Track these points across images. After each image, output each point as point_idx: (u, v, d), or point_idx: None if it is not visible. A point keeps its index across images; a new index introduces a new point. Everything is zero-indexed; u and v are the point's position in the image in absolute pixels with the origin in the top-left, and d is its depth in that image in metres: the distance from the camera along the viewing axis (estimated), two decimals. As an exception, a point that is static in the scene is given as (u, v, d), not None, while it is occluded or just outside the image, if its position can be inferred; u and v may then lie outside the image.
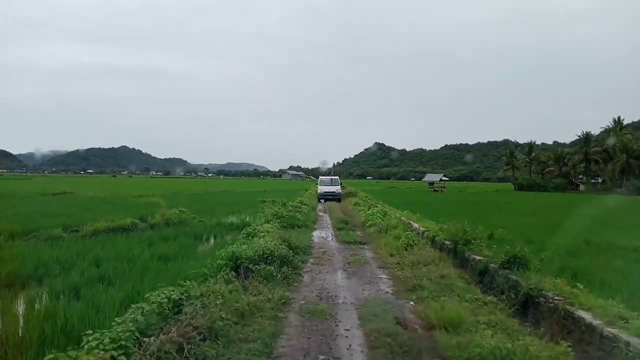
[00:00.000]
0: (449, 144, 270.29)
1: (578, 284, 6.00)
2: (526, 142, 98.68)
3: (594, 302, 5.24)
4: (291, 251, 9.94)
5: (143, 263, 9.21)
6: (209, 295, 5.47)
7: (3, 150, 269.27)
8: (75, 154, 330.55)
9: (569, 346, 4.40)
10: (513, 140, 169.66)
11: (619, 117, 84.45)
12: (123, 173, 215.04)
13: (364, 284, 8.21)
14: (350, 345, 5.07)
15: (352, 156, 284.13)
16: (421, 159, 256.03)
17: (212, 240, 13.91)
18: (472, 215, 16.25)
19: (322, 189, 35.69)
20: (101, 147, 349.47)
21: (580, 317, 5.01)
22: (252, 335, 5.03)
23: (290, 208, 21.00)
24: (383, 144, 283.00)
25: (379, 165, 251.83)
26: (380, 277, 8.80)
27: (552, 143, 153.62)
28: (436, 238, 11.45)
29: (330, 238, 14.58)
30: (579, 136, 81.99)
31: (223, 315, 4.95)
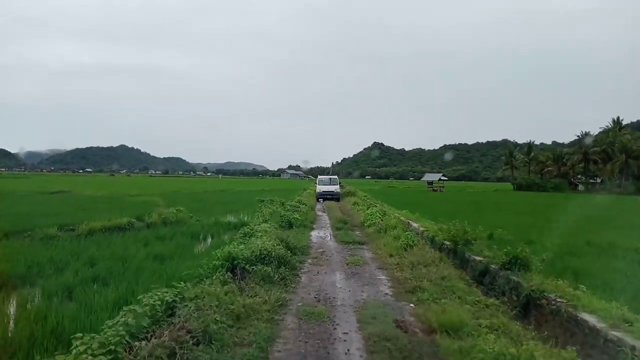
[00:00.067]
0: (448, 143, 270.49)
1: (581, 286, 5.89)
2: (525, 142, 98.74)
3: (597, 305, 5.13)
4: (289, 251, 9.80)
5: (138, 263, 9.07)
6: (204, 297, 5.31)
7: (2, 149, 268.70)
8: (74, 152, 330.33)
9: (573, 351, 4.27)
10: (512, 140, 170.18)
11: (618, 117, 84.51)
12: (122, 172, 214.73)
13: (363, 285, 8.05)
14: (348, 350, 4.92)
15: (351, 156, 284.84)
16: (420, 159, 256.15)
17: (209, 240, 13.75)
18: (472, 215, 16.15)
19: (320, 188, 35.54)
20: (100, 146, 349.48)
21: (583, 320, 4.91)
22: (248, 339, 4.88)
23: (289, 207, 20.87)
24: (382, 144, 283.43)
25: (377, 164, 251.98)
26: (379, 278, 8.65)
27: (551, 143, 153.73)
28: (435, 238, 11.32)
29: (329, 238, 14.43)
30: (578, 136, 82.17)
31: (218, 318, 4.81)
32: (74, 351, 3.63)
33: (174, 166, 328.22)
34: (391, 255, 10.54)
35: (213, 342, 4.46)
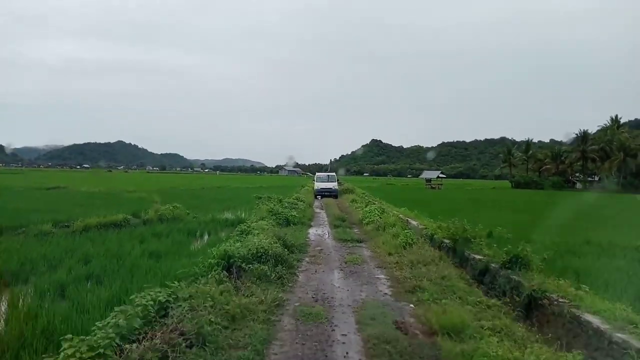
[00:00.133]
0: (446, 141, 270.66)
1: (583, 286, 5.79)
2: (523, 140, 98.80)
3: (601, 305, 5.03)
4: (286, 249, 9.65)
5: (133, 260, 8.92)
6: (198, 297, 5.16)
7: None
8: (71, 148, 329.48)
9: (580, 354, 4.16)
10: (510, 138, 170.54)
11: (616, 116, 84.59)
12: (119, 168, 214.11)
13: (362, 284, 7.89)
14: (347, 353, 4.77)
15: (349, 153, 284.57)
16: (418, 156, 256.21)
17: (205, 237, 13.61)
18: (470, 213, 16.04)
19: (318, 185, 35.44)
20: (97, 141, 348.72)
21: (587, 321, 4.81)
22: (243, 341, 4.72)
23: (286, 204, 20.72)
24: (380, 141, 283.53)
25: (375, 162, 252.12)
26: (378, 278, 8.49)
27: (549, 141, 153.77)
28: (435, 236, 11.21)
29: (327, 236, 14.29)
30: (577, 134, 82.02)
31: (212, 319, 4.65)
32: (62, 354, 3.50)
33: (172, 162, 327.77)
34: (390, 254, 10.39)
35: (207, 344, 4.30)
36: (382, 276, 8.62)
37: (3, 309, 6.03)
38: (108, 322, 3.95)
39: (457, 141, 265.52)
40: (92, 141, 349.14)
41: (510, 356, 3.90)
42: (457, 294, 6.76)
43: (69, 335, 3.94)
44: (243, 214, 18.78)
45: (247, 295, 6.18)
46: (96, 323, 4.05)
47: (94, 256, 9.24)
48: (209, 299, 5.25)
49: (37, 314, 5.53)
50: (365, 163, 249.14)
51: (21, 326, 5.12)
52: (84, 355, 3.43)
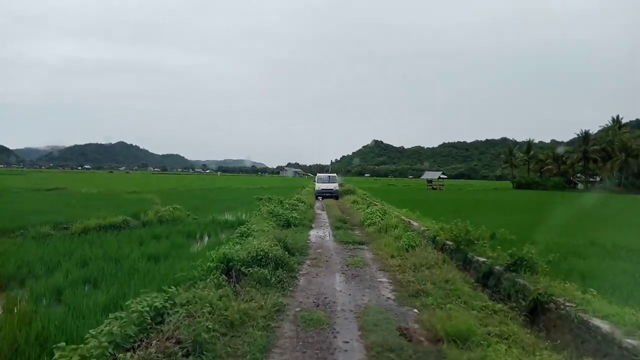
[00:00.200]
0: (447, 141, 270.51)
1: (591, 289, 5.66)
2: (524, 140, 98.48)
3: (609, 309, 4.90)
4: (287, 252, 9.50)
5: (132, 263, 8.83)
6: (196, 302, 5.00)
7: (0, 146, 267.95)
8: (73, 149, 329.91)
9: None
10: (511, 139, 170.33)
11: (617, 116, 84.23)
12: (120, 169, 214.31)
13: (364, 288, 7.72)
14: (349, 362, 4.62)
15: (350, 153, 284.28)
16: (419, 157, 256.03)
17: (205, 239, 13.50)
18: (472, 214, 15.94)
19: (319, 186, 35.34)
20: (99, 143, 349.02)
21: (595, 326, 4.69)
22: (242, 349, 4.57)
23: (287, 206, 20.61)
24: (381, 142, 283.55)
25: (376, 162, 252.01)
26: (380, 281, 8.32)
27: (549, 141, 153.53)
28: (437, 238, 11.08)
29: (328, 238, 14.14)
30: (578, 135, 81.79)
31: (210, 326, 4.49)
32: (53, 365, 3.37)
33: (173, 163, 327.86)
34: (392, 257, 10.23)
35: (204, 352, 4.13)
36: (385, 280, 8.45)
37: (-3, 314, 5.89)
38: (102, 330, 3.82)
39: (458, 142, 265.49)
40: (93, 142, 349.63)
41: (520, 365, 3.76)
42: (462, 298, 6.62)
43: (62, 344, 3.83)
44: (244, 216, 18.67)
45: (246, 300, 6.03)
46: (89, 331, 3.92)
47: (92, 259, 9.15)
48: (207, 304, 5.08)
49: (32, 320, 5.42)
50: (367, 164, 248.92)
51: (15, 332, 5.00)
52: (75, 365, 3.29)
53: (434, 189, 59.85)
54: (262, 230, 11.52)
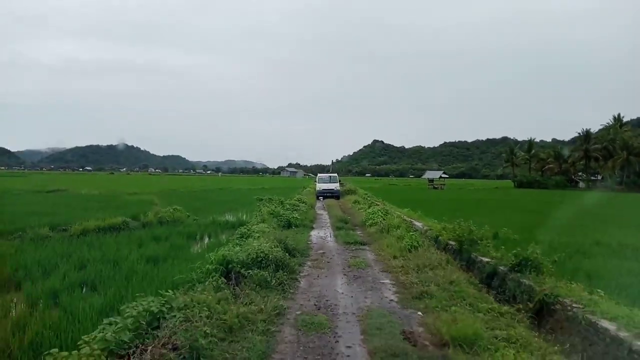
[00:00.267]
0: (447, 141, 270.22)
1: (598, 290, 5.52)
2: (525, 139, 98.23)
3: (618, 311, 4.77)
4: (287, 253, 9.36)
5: (130, 265, 8.69)
6: (194, 306, 4.85)
7: (1, 148, 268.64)
8: (74, 151, 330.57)
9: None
10: (512, 138, 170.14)
11: (619, 115, 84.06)
12: (121, 170, 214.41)
13: (366, 290, 7.57)
14: (352, 368, 4.47)
15: (351, 153, 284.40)
16: (420, 156, 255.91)
17: (206, 240, 13.36)
18: (474, 213, 15.80)
19: (320, 186, 35.23)
20: (100, 144, 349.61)
21: (604, 328, 4.55)
22: (240, 355, 4.41)
23: (288, 206, 20.47)
24: (382, 141, 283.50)
25: (377, 162, 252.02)
26: (383, 283, 8.15)
27: (550, 140, 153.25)
28: (440, 238, 10.94)
29: (329, 238, 14.00)
30: (579, 133, 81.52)
31: (208, 331, 4.34)
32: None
33: (174, 164, 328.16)
34: (395, 257, 10.07)
35: (201, 359, 3.99)
36: (388, 281, 8.29)
37: (-8, 318, 5.76)
38: (95, 336, 3.68)
39: (459, 141, 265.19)
40: (94, 144, 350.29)
41: (530, 372, 3.61)
42: (467, 300, 6.46)
43: (55, 350, 3.71)
44: (244, 216, 18.55)
45: (245, 304, 5.88)
46: (83, 337, 3.78)
47: (90, 261, 9.01)
48: (205, 308, 4.93)
49: (27, 324, 5.29)
50: (367, 163, 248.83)
51: (8, 338, 4.88)
52: (67, 374, 3.16)
53: (435, 188, 59.72)
54: (262, 231, 11.38)
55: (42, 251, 9.99)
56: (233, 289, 6.41)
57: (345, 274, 8.83)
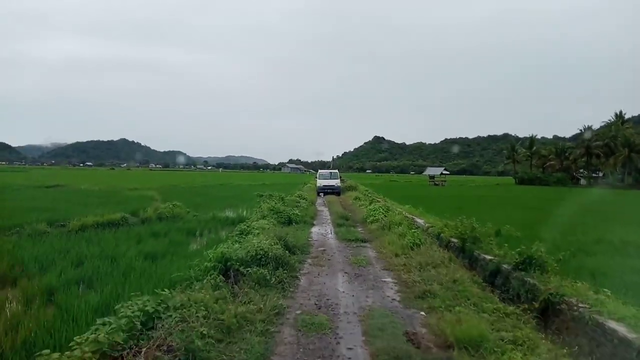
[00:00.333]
0: (448, 137, 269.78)
1: (605, 290, 5.40)
2: (526, 136, 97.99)
3: (625, 311, 4.65)
4: (287, 250, 9.22)
5: (128, 262, 8.56)
6: (190, 305, 4.71)
7: (2, 143, 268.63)
8: (75, 146, 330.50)
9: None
10: (513, 134, 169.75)
11: (620, 112, 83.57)
12: (122, 166, 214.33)
13: (368, 289, 7.42)
14: (354, 372, 4.32)
15: (352, 149, 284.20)
16: (421, 153, 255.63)
17: (205, 236, 13.22)
18: (476, 210, 15.69)
19: (321, 182, 35.10)
20: (100, 139, 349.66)
21: (612, 329, 4.44)
22: (238, 357, 4.27)
23: (288, 202, 20.33)
24: (383, 138, 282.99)
25: (378, 158, 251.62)
26: (385, 281, 8.00)
27: (552, 137, 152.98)
28: (442, 235, 10.79)
29: (330, 235, 13.87)
30: (580, 130, 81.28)
31: (204, 332, 4.21)
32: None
33: (175, 160, 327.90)
34: (397, 255, 9.92)
35: (197, 361, 3.87)
36: (389, 279, 8.14)
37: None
38: (87, 338, 3.56)
39: (460, 137, 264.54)
40: (95, 139, 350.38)
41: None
42: (471, 300, 6.31)
43: (46, 351, 3.60)
44: (244, 212, 18.41)
45: (244, 303, 5.74)
46: (75, 338, 3.66)
47: (88, 257, 8.88)
48: (203, 307, 4.79)
49: (20, 323, 5.17)
50: (368, 160, 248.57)
51: (0, 337, 4.76)
52: (57, 377, 3.04)
53: (436, 184, 59.60)
54: (262, 227, 11.25)
55: (40, 247, 9.85)
56: (231, 287, 6.28)
57: (346, 272, 8.70)
